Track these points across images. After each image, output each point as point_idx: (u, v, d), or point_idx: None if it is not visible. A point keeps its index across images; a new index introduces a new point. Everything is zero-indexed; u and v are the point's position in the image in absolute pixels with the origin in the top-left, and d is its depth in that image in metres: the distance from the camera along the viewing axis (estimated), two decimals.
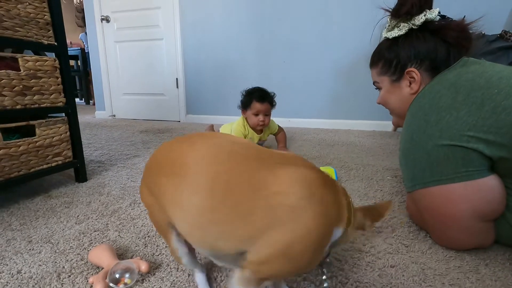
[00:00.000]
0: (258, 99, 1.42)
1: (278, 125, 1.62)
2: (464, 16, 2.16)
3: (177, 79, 2.80)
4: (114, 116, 3.10)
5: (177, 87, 2.81)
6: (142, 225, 0.77)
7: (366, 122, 2.37)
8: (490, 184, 0.59)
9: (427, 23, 0.72)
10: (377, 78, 0.83)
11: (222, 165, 0.37)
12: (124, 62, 2.95)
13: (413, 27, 0.73)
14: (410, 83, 0.75)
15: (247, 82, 2.62)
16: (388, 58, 0.77)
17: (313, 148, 1.69)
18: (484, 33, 1.78)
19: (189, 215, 0.37)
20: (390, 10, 0.77)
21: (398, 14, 0.74)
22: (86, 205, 0.90)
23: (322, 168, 1.06)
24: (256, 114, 1.44)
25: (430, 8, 0.73)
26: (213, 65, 2.69)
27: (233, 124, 1.64)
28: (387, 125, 2.31)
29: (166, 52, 2.78)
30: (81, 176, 1.09)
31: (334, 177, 1.05)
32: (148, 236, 0.71)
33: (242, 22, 2.53)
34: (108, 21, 2.88)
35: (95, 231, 0.74)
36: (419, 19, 0.71)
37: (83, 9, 4.84)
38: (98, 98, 3.16)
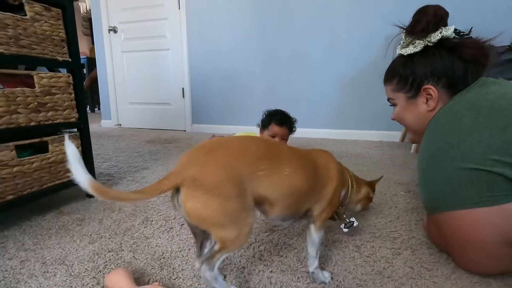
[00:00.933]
0: (277, 122, 1.40)
1: None
2: (471, 27, 2.16)
3: (183, 88, 2.81)
4: (120, 125, 3.11)
5: (183, 96, 2.83)
6: (157, 245, 0.76)
7: (373, 132, 2.36)
8: None
9: (443, 40, 0.71)
10: (392, 95, 0.82)
11: (298, 154, 0.58)
12: (130, 72, 2.97)
13: (429, 44, 0.72)
14: (427, 100, 0.74)
15: (252, 92, 2.63)
16: (404, 75, 0.77)
17: None
18: (492, 45, 1.78)
19: (289, 189, 0.53)
20: (405, 27, 0.77)
21: (413, 31, 0.73)
22: (98, 222, 0.89)
23: None
24: (273, 137, 1.42)
25: (445, 25, 0.72)
26: (219, 75, 2.70)
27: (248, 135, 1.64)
28: (395, 135, 2.30)
29: (172, 62, 2.80)
30: None
31: None
32: (164, 258, 0.70)
33: (248, 33, 2.55)
34: (115, 31, 2.91)
35: (109, 251, 0.73)
36: (435, 37, 0.71)
37: (89, 18, 4.91)
38: (104, 107, 3.17)
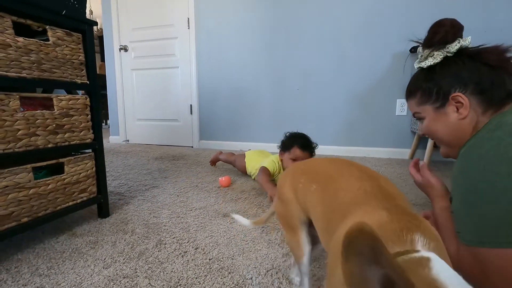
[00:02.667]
0: (300, 146, 1.39)
1: None
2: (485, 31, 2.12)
3: (191, 105, 2.84)
4: (128, 141, 3.13)
5: (191, 113, 2.85)
6: (172, 271, 0.74)
7: (382, 149, 2.35)
8: None
9: (462, 50, 0.69)
10: (417, 109, 0.78)
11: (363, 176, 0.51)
12: (139, 89, 3.02)
13: (448, 54, 0.70)
14: (458, 109, 0.70)
15: (260, 109, 2.65)
16: (427, 87, 0.74)
17: None
18: None
19: (335, 209, 0.47)
20: (421, 41, 0.76)
21: (431, 42, 0.72)
22: (112, 245, 0.88)
23: None
24: (294, 160, 1.41)
25: (461, 37, 0.71)
26: (227, 92, 2.74)
27: (263, 154, 1.63)
28: (403, 152, 2.28)
29: (181, 80, 2.85)
30: (104, 211, 1.08)
31: None
32: (180, 285, 0.68)
33: (256, 52, 2.60)
34: (126, 50, 2.98)
35: (124, 277, 0.72)
36: (454, 46, 0.69)
37: (99, 37, 5.06)
38: (113, 123, 3.21)
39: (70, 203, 0.96)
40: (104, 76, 3.18)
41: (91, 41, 1.00)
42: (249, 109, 2.69)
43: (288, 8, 2.46)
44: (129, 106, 3.09)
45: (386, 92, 2.32)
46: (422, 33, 2.24)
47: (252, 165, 1.59)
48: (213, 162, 1.91)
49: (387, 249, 0.21)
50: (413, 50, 2.17)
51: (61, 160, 0.92)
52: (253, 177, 1.61)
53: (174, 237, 0.93)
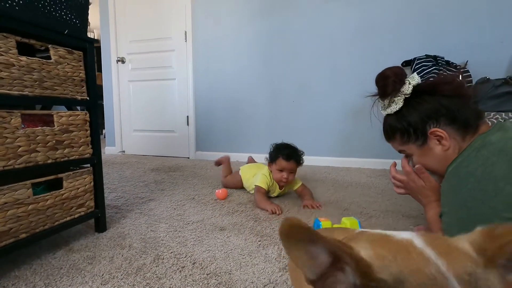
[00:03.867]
0: (284, 157, 1.42)
1: (302, 182, 1.56)
2: (467, 61, 2.23)
3: (187, 116, 2.86)
4: (124, 152, 3.13)
5: (188, 124, 2.87)
6: (170, 287, 0.75)
7: (376, 160, 2.39)
8: None
9: (417, 87, 0.75)
10: (401, 147, 0.83)
11: None
12: (136, 100, 3.04)
13: (406, 96, 0.76)
14: (439, 141, 0.74)
15: (256, 121, 2.69)
16: (403, 128, 0.78)
17: (327, 191, 1.68)
18: (489, 78, 1.86)
19: None
20: (376, 94, 0.81)
21: (386, 94, 0.78)
22: (109, 261, 0.88)
23: (345, 219, 1.05)
24: (281, 170, 1.44)
25: (406, 77, 0.77)
26: (223, 104, 2.77)
27: (256, 166, 1.65)
28: (397, 163, 2.32)
29: (178, 91, 2.88)
30: (101, 225, 1.08)
31: (358, 228, 1.03)
32: None
33: (252, 65, 2.65)
34: (123, 62, 3.01)
35: None
36: (408, 89, 0.75)
37: (96, 47, 5.10)
38: (109, 134, 3.21)
39: (68, 218, 0.96)
40: (101, 86, 3.20)
41: (92, 58, 1.02)
42: (245, 120, 2.73)
43: (283, 22, 2.53)
44: (126, 117, 3.10)
45: (379, 104, 2.37)
46: (412, 46, 2.32)
47: (247, 177, 1.61)
48: (218, 164, 1.92)
49: (315, 231, 0.24)
50: (405, 64, 2.24)
51: (60, 175, 0.93)
52: (250, 191, 1.62)
53: (171, 252, 0.93)
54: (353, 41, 2.38)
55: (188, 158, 2.89)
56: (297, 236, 0.24)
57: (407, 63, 2.22)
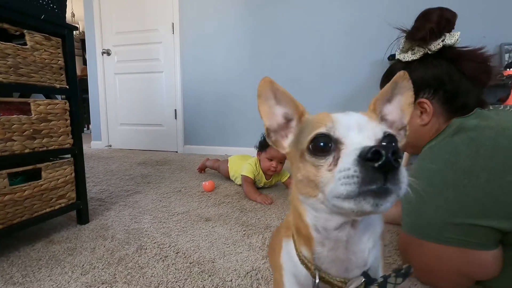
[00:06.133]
0: None
1: (290, 174, 1.59)
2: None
3: (175, 110, 2.83)
4: (110, 146, 3.07)
5: (176, 118, 2.84)
6: (152, 275, 0.74)
7: None
8: (486, 259, 0.58)
9: (445, 49, 0.68)
10: None
11: None
12: (122, 93, 2.98)
13: (429, 52, 0.69)
14: (421, 113, 0.71)
15: (245, 114, 2.68)
16: None
17: None
18: None
19: None
20: (406, 30, 0.73)
21: (413, 38, 0.70)
22: (91, 252, 0.86)
23: None
24: (270, 160, 1.44)
25: (450, 31, 0.68)
26: (212, 97, 2.75)
27: (244, 158, 1.64)
28: None
29: (165, 84, 2.84)
30: (83, 217, 1.06)
31: None
32: None
33: (241, 57, 2.63)
34: (109, 54, 2.94)
35: (102, 283, 0.71)
36: (436, 45, 0.67)
37: (81, 40, 4.96)
38: (95, 128, 3.14)
39: (48, 210, 0.94)
40: (86, 79, 3.12)
41: (71, 45, 0.99)
42: (234, 114, 2.71)
43: (272, 16, 2.51)
44: (112, 110, 3.04)
45: (367, 99, 2.38)
46: (399, 41, 2.30)
47: (234, 169, 1.61)
48: (201, 169, 1.91)
49: (282, 88, 0.40)
50: (391, 58, 2.26)
51: (38, 165, 0.90)
52: (235, 181, 1.62)
53: (155, 242, 0.93)
54: (342, 36, 2.39)
55: (176, 152, 2.86)
56: (267, 94, 0.41)
57: (393, 57, 2.25)
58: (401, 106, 0.40)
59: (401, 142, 0.39)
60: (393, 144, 0.31)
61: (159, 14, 2.74)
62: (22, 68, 0.85)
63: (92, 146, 3.13)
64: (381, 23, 2.34)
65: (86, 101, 3.26)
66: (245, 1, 2.57)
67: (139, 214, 1.18)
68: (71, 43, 0.99)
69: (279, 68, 2.55)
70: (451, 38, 0.68)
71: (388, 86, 0.40)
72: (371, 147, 0.25)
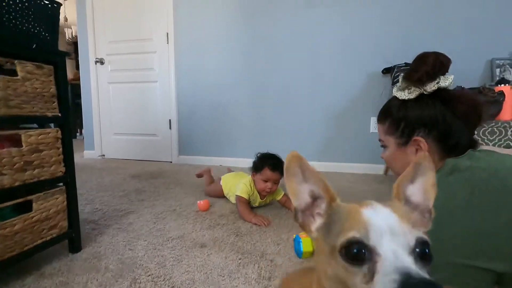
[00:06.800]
0: (270, 167, 1.42)
1: (284, 192, 1.57)
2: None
3: (170, 120, 2.81)
4: (104, 156, 3.03)
5: (170, 128, 2.82)
6: None
7: (357, 165, 2.43)
8: None
9: (440, 90, 0.70)
10: (383, 137, 0.82)
11: None
12: (116, 103, 2.95)
13: (424, 92, 0.71)
14: (416, 150, 0.73)
15: (240, 124, 2.67)
16: (396, 118, 0.76)
17: None
18: (463, 87, 1.92)
19: None
20: (405, 67, 0.77)
21: (410, 78, 0.72)
22: (83, 287, 0.85)
23: None
24: (265, 181, 1.44)
25: (444, 74, 0.71)
26: (207, 107, 2.73)
27: (239, 176, 1.63)
28: (378, 168, 2.37)
29: (160, 94, 2.81)
30: (75, 245, 1.04)
31: None
32: None
33: (236, 68, 2.62)
34: (102, 63, 2.91)
35: None
36: (431, 87, 0.70)
37: (74, 43, 4.89)
38: (88, 137, 3.10)
39: (39, 242, 0.92)
40: (78, 84, 3.07)
41: (64, 72, 0.97)
42: (229, 124, 2.70)
43: (266, 27, 2.52)
44: (105, 119, 3.00)
45: (360, 111, 2.41)
46: (392, 54, 2.36)
47: (228, 187, 1.60)
48: (200, 176, 1.90)
49: (311, 166, 0.38)
50: (385, 71, 2.28)
51: (29, 197, 0.88)
52: (229, 199, 1.61)
53: (149, 275, 0.91)
54: (335, 47, 2.40)
55: (171, 162, 2.84)
56: (294, 170, 0.38)
57: (387, 70, 2.27)
58: (424, 188, 0.40)
59: (428, 227, 0.39)
60: (426, 251, 0.31)
61: (154, 24, 2.72)
62: (13, 99, 0.83)
63: (84, 155, 3.09)
64: (374, 35, 2.37)
65: (78, 106, 3.21)
66: (239, 11, 2.56)
67: (133, 239, 1.16)
68: (63, 70, 0.97)
69: (273, 77, 2.55)
70: (445, 81, 0.70)
71: (410, 168, 0.40)
72: (411, 283, 0.26)
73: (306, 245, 1.00)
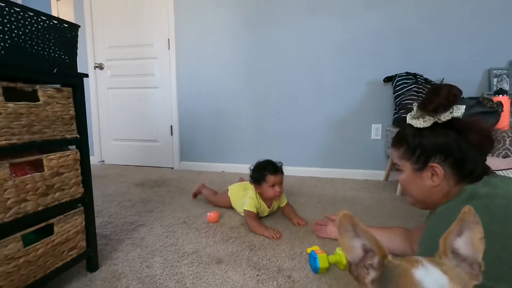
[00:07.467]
0: (272, 172, 1.45)
1: (287, 200, 1.61)
2: (443, 78, 2.33)
3: (171, 126, 2.80)
4: (103, 162, 3.01)
5: (171, 134, 2.81)
6: None
7: (358, 171, 2.48)
8: None
9: (453, 119, 0.75)
10: (398, 161, 0.86)
11: None
12: (116, 108, 2.92)
13: (438, 121, 0.76)
14: (432, 175, 0.77)
15: (241, 131, 2.69)
16: (412, 146, 0.80)
17: (315, 208, 1.73)
18: (463, 97, 1.98)
19: None
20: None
21: (425, 109, 0.77)
22: None
23: (339, 249, 1.09)
24: (273, 186, 1.46)
25: (457, 104, 0.76)
26: (208, 113, 2.74)
27: (244, 187, 1.64)
28: (379, 174, 2.42)
29: (161, 100, 2.80)
30: (93, 264, 1.05)
31: None
32: None
33: (238, 74, 2.63)
34: (101, 68, 2.88)
35: None
36: (445, 116, 0.75)
37: None
38: None
39: (60, 264, 0.92)
40: None
41: (81, 93, 0.98)
42: (231, 130, 2.71)
43: (267, 35, 2.53)
44: (105, 125, 2.97)
45: (361, 118, 2.45)
46: (392, 63, 2.41)
47: (234, 199, 1.62)
48: (196, 195, 1.88)
49: (362, 224, 0.42)
50: (386, 80, 2.33)
51: (50, 221, 0.88)
52: (237, 210, 1.63)
53: None
54: (336, 56, 2.43)
55: (172, 168, 2.84)
56: (347, 227, 0.42)
57: (389, 79, 2.32)
58: (472, 242, 0.43)
59: (479, 280, 0.41)
60: None
61: (154, 29, 2.70)
62: (36, 125, 0.83)
63: None
64: (375, 44, 2.41)
65: None
66: (241, 18, 2.57)
67: (149, 255, 1.17)
68: (81, 91, 0.97)
69: (274, 85, 2.57)
70: (458, 111, 0.75)
71: (455, 223, 0.43)
72: None
73: (322, 261, 1.03)
